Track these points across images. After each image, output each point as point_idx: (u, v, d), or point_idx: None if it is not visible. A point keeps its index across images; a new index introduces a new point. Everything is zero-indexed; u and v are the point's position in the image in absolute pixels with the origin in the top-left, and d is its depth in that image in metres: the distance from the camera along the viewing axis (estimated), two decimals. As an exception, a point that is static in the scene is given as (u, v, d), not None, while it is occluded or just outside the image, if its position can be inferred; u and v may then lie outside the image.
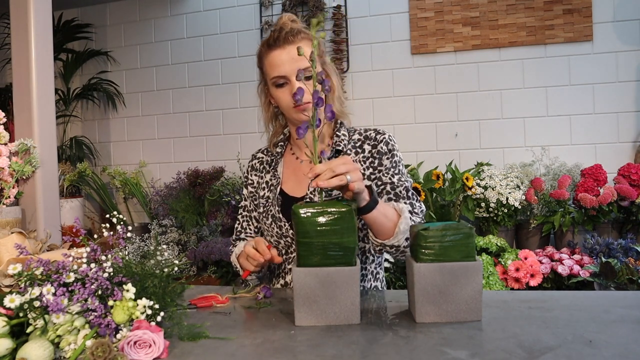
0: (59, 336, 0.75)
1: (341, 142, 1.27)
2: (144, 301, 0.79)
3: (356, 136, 1.31)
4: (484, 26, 2.83)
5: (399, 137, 2.92)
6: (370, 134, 1.30)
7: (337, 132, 1.30)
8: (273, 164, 1.37)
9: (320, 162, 0.98)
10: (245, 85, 3.21)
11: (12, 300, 0.75)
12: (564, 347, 0.75)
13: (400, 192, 1.23)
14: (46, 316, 0.76)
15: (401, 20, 2.95)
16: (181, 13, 3.33)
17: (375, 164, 1.26)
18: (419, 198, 1.26)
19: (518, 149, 2.79)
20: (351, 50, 2.98)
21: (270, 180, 1.35)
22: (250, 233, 1.41)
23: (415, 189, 2.42)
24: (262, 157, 1.42)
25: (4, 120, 1.89)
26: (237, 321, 0.96)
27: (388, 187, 1.24)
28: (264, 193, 1.35)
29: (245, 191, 1.42)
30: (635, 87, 2.67)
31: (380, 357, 0.74)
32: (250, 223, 1.41)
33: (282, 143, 1.38)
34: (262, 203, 1.34)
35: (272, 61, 1.21)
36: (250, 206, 1.40)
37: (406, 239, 1.11)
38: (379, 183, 1.25)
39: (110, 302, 0.78)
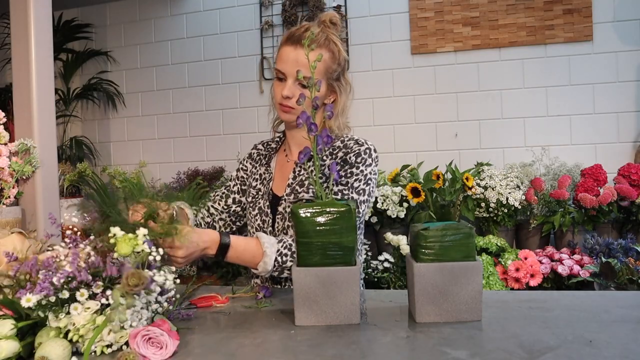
0: (81, 336, 0.77)
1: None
2: (142, 230, 0.81)
3: (338, 143, 1.30)
4: (484, 26, 2.83)
5: (399, 137, 2.91)
6: (349, 142, 1.28)
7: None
8: (267, 159, 1.42)
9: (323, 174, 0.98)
10: (245, 85, 3.21)
11: (29, 300, 0.76)
12: (564, 347, 0.75)
13: None
14: (66, 316, 0.77)
15: (401, 20, 2.95)
16: (181, 13, 3.33)
17: (337, 170, 1.24)
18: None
19: (518, 149, 2.79)
20: (351, 50, 2.98)
21: (264, 174, 1.39)
22: (216, 207, 1.44)
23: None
24: (261, 150, 1.46)
25: (4, 120, 1.89)
26: (237, 321, 0.96)
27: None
28: (256, 184, 1.39)
29: (234, 173, 1.48)
30: (635, 87, 2.67)
31: (380, 357, 0.74)
32: (222, 200, 1.44)
33: (277, 139, 1.44)
34: (252, 194, 1.38)
35: (281, 54, 1.26)
36: (232, 187, 1.45)
37: (284, 270, 1.16)
38: (324, 186, 1.24)
39: (112, 240, 0.81)
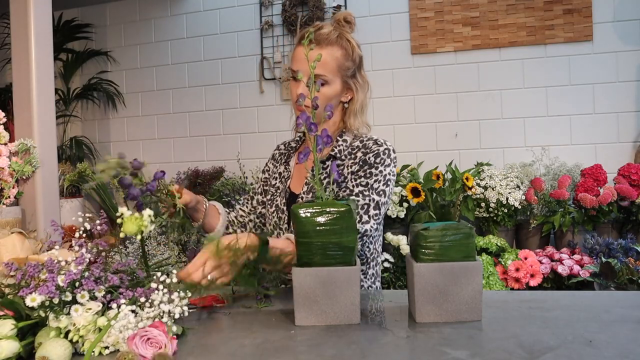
0: (81, 336, 0.77)
1: (336, 148, 1.30)
2: (147, 211, 0.85)
3: (357, 143, 1.30)
4: (484, 26, 2.83)
5: (399, 137, 2.91)
6: (368, 143, 1.28)
7: (338, 138, 1.32)
8: (287, 157, 1.44)
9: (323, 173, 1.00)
10: (245, 85, 3.21)
11: (34, 299, 0.76)
12: (564, 347, 0.75)
13: None
14: (66, 316, 0.77)
15: (401, 20, 2.95)
16: (181, 13, 3.33)
17: (356, 170, 1.25)
18: (368, 221, 1.19)
19: (518, 149, 2.79)
20: (351, 50, 2.97)
21: (283, 172, 1.42)
22: (244, 209, 1.49)
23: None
24: (282, 149, 1.49)
25: (4, 120, 1.89)
26: (237, 321, 0.96)
27: (344, 195, 1.23)
28: (275, 183, 1.42)
29: (260, 175, 1.52)
30: (635, 87, 2.67)
31: (380, 357, 0.74)
32: (248, 202, 1.49)
33: (298, 138, 1.46)
34: (272, 192, 1.42)
35: (295, 54, 1.28)
36: (257, 189, 1.49)
37: None
38: (345, 187, 1.25)
39: (119, 220, 0.84)
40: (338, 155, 1.29)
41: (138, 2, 3.42)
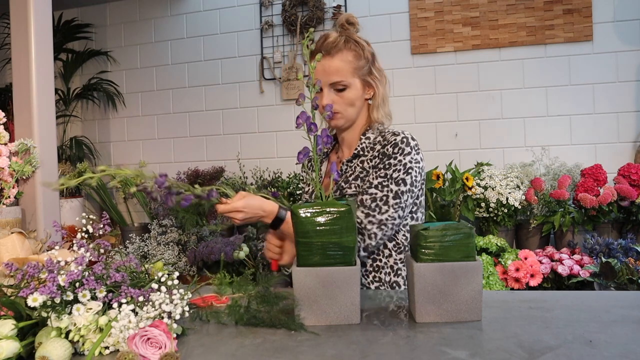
0: (82, 336, 0.76)
1: (359, 146, 1.32)
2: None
3: (379, 137, 1.32)
4: (484, 26, 2.83)
5: (399, 137, 2.91)
6: (387, 135, 1.30)
7: (362, 136, 1.34)
8: (319, 163, 1.47)
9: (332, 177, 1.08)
10: (245, 85, 3.21)
11: (35, 300, 0.76)
12: (564, 347, 0.75)
13: (365, 200, 1.23)
14: (67, 316, 0.77)
15: (401, 20, 2.95)
16: (181, 13, 3.33)
17: (377, 163, 1.27)
18: (387, 210, 1.21)
19: (518, 149, 2.79)
20: (351, 50, 2.97)
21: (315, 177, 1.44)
22: None
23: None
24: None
25: (4, 120, 1.89)
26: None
27: (365, 187, 1.25)
28: (308, 189, 1.47)
29: (304, 187, 1.58)
30: (635, 87, 2.67)
31: (380, 357, 0.74)
32: None
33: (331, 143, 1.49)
34: (305, 198, 1.47)
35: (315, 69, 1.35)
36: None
37: None
38: (365, 179, 1.27)
39: None
40: (361, 153, 1.31)
41: (138, 2, 3.42)
